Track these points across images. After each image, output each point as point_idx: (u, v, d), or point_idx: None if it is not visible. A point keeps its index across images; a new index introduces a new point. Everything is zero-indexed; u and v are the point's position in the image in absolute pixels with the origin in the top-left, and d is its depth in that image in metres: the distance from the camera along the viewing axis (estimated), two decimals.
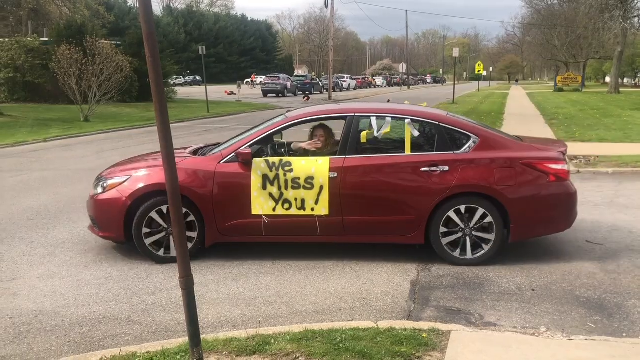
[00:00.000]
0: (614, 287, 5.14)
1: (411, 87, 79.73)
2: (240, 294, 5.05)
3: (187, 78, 79.38)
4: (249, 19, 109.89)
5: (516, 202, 5.59)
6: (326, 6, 39.40)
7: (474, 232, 5.68)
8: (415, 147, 5.85)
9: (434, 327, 4.17)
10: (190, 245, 5.71)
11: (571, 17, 58.32)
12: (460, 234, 5.69)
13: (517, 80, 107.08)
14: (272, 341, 3.91)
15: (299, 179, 5.63)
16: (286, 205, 5.67)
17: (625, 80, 73.95)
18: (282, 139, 6.58)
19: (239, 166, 5.75)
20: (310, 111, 6.45)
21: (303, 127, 6.33)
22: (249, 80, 69.36)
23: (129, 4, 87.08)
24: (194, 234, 5.84)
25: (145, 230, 5.75)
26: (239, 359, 3.72)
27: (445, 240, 5.70)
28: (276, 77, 50.78)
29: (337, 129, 6.25)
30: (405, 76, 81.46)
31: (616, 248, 6.24)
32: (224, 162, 5.81)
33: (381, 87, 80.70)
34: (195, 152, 6.42)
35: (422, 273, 5.55)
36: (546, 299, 4.88)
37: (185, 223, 5.65)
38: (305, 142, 6.33)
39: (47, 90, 29.11)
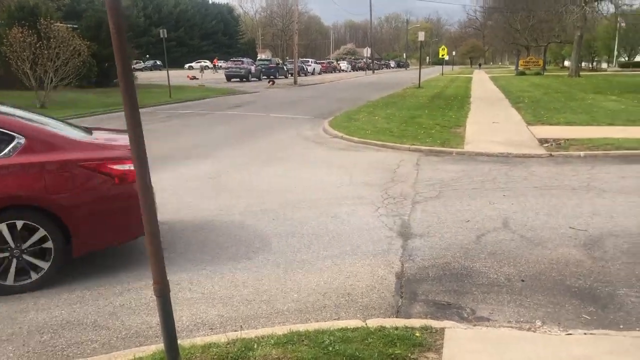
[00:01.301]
0: (603, 275, 4.99)
1: (375, 71, 79.60)
2: (215, 293, 4.70)
3: (147, 63, 77.43)
4: (210, 2, 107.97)
5: (76, 212, 4.83)
6: None
7: (24, 255, 4.73)
8: None
9: (427, 325, 3.93)
10: None
11: (533, 1, 58.92)
12: (7, 255, 4.68)
13: (480, 65, 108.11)
14: (255, 346, 3.59)
15: None
16: None
17: (583, 64, 75.32)
18: None
19: None
20: None
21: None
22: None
23: None
24: None
25: None
26: None
27: None
28: (240, 61, 49.77)
29: None
30: (370, 60, 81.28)
31: (599, 234, 6.11)
32: None
33: (346, 71, 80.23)
34: None
35: (406, 264, 5.30)
36: (537, 290, 4.69)
37: None
38: None
39: None
